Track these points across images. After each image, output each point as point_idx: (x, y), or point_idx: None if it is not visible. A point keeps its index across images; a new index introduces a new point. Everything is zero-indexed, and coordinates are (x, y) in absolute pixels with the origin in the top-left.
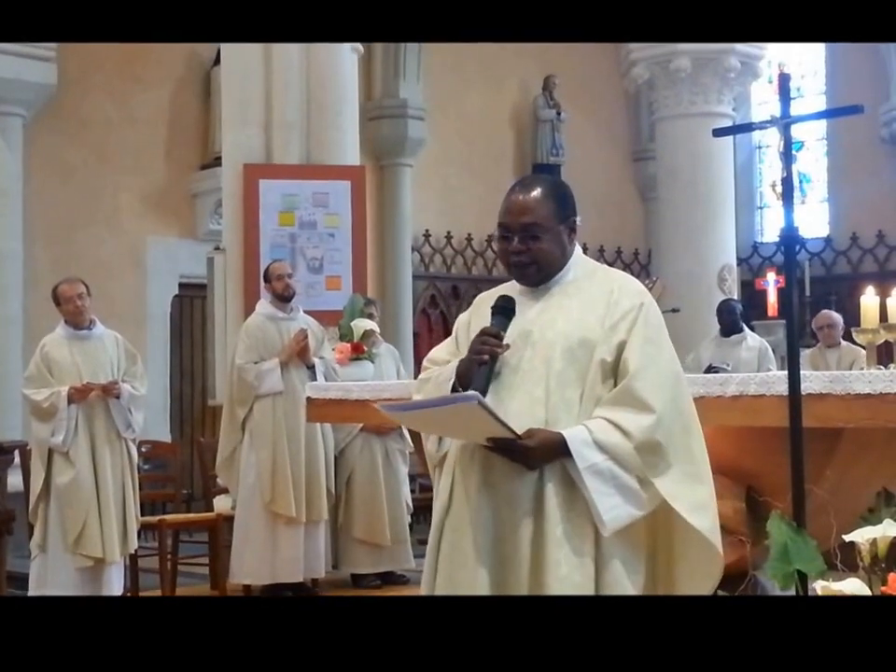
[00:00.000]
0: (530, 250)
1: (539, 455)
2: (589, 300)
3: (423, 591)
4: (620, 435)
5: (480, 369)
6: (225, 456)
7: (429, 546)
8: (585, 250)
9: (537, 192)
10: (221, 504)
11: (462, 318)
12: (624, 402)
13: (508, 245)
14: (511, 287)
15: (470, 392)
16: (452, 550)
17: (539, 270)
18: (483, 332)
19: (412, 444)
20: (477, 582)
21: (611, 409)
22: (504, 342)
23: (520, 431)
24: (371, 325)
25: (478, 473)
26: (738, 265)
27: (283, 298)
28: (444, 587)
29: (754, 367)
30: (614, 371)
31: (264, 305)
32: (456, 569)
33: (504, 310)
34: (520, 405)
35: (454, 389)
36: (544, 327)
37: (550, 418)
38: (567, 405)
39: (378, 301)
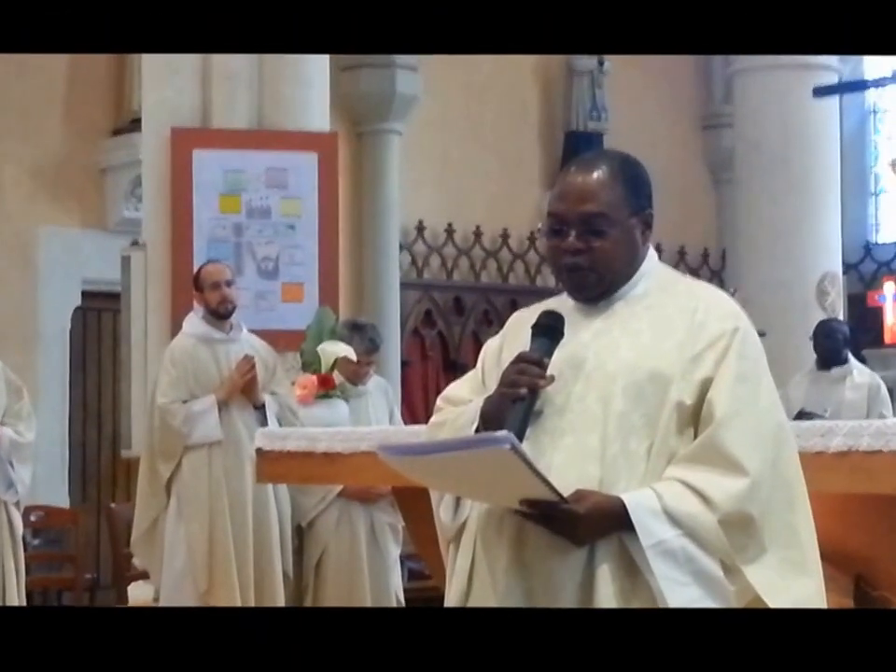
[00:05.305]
0: (591, 250)
1: (591, 525)
2: (665, 321)
3: None
4: (700, 503)
5: (514, 406)
6: (143, 529)
7: None
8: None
9: (602, 173)
10: (139, 593)
11: (491, 345)
12: (707, 460)
13: (561, 242)
14: (561, 303)
15: (501, 433)
16: None
17: (600, 278)
18: (521, 359)
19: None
20: None
21: (689, 468)
22: (548, 372)
23: (566, 493)
24: (344, 350)
25: (507, 549)
26: (844, 273)
27: (218, 314)
28: None
29: (863, 412)
30: (695, 417)
31: (194, 323)
32: None
33: (549, 330)
34: (567, 458)
35: None
36: (602, 354)
37: (606, 477)
38: (629, 461)
39: (376, 329)
